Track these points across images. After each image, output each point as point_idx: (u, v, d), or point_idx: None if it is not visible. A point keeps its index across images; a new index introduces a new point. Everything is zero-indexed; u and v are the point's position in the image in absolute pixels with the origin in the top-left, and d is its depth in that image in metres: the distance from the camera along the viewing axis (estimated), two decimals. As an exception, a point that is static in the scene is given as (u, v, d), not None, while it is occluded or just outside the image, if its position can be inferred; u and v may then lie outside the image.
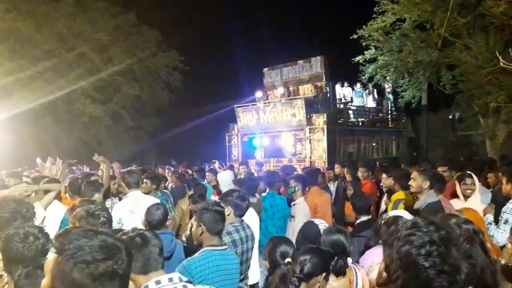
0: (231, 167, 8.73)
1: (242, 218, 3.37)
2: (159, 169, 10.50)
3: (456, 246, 1.01)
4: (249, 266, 3.43)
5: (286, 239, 2.73)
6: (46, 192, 3.90)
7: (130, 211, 3.96)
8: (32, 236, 2.17)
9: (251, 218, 3.93)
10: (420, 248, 0.99)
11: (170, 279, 1.91)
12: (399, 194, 4.60)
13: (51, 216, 3.85)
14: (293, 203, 4.84)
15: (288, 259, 2.31)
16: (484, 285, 1.25)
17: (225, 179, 5.41)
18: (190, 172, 8.54)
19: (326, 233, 2.73)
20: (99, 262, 1.08)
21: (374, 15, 11.53)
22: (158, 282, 1.88)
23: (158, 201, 4.18)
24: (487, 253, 1.35)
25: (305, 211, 4.68)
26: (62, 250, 1.10)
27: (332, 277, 2.45)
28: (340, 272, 2.48)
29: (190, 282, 1.99)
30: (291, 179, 4.97)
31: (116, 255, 1.12)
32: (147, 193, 4.55)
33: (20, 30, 16.22)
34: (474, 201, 4.40)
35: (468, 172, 4.63)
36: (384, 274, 1.07)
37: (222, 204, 2.89)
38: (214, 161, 11.81)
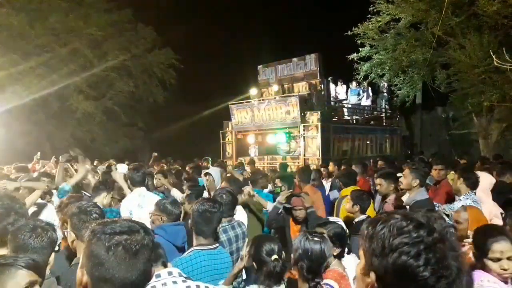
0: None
1: (232, 217, 3.33)
2: (154, 166, 10.42)
3: (446, 244, 0.99)
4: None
5: (270, 237, 2.70)
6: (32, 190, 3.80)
7: (139, 205, 4.17)
8: (39, 228, 2.23)
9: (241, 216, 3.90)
10: (418, 258, 0.96)
11: (170, 273, 1.95)
12: (346, 191, 4.71)
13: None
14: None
15: (275, 256, 2.29)
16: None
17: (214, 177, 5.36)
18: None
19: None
20: (115, 234, 1.18)
21: (369, 15, 11.52)
22: (158, 276, 1.91)
23: (159, 197, 4.41)
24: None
25: None
26: (93, 230, 1.24)
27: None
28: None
29: (189, 279, 2.01)
30: (277, 178, 4.92)
31: (133, 233, 1.21)
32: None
33: (12, 25, 16.01)
34: (487, 200, 4.26)
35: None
36: (377, 285, 1.03)
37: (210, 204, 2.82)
38: (206, 157, 11.72)
